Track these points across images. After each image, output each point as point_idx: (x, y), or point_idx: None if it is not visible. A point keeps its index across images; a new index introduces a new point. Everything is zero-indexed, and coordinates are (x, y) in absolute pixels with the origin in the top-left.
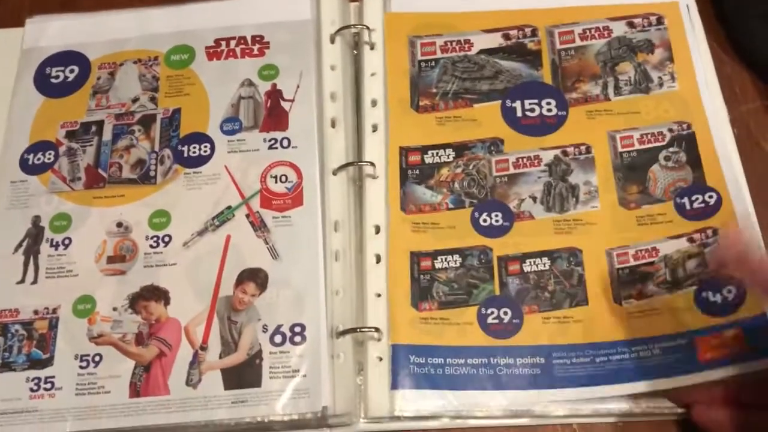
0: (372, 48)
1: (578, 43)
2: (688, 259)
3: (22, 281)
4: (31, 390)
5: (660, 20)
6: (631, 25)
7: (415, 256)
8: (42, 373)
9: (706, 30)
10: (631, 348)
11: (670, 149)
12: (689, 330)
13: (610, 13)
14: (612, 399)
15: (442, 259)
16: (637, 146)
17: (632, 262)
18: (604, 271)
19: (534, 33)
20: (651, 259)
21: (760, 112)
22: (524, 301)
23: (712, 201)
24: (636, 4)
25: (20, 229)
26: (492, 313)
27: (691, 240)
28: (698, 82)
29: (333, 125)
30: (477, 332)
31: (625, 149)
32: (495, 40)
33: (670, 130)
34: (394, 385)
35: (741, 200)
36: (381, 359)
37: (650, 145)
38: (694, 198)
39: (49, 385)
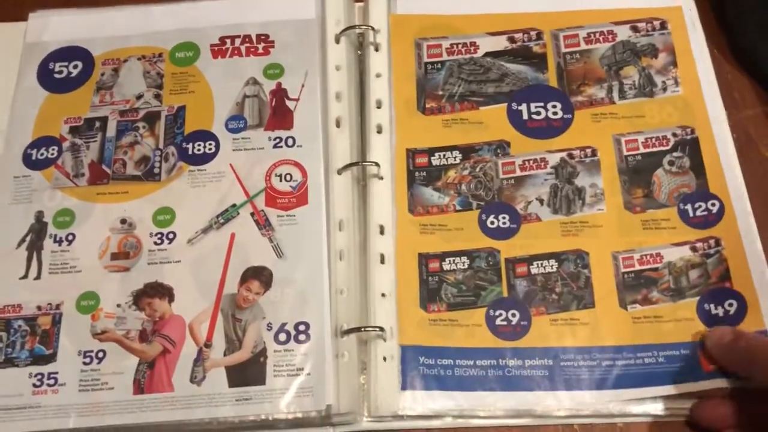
0: (377, 50)
1: (583, 46)
2: (691, 268)
3: (25, 276)
4: (34, 386)
5: (663, 25)
6: (634, 29)
7: (423, 258)
8: (45, 369)
9: (707, 36)
10: (636, 354)
11: (674, 154)
12: (693, 342)
13: (613, 17)
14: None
15: (450, 260)
16: (641, 150)
17: (637, 267)
18: (610, 274)
19: (539, 36)
20: (655, 265)
21: (759, 118)
22: (532, 302)
23: (714, 209)
24: (639, 8)
25: (23, 224)
26: (500, 315)
27: (693, 249)
28: (702, 87)
29: (338, 125)
30: (486, 334)
31: (630, 153)
32: (500, 43)
33: (674, 135)
34: (404, 386)
35: (743, 208)
36: (386, 359)
37: (655, 149)
38: (697, 205)
39: (52, 381)
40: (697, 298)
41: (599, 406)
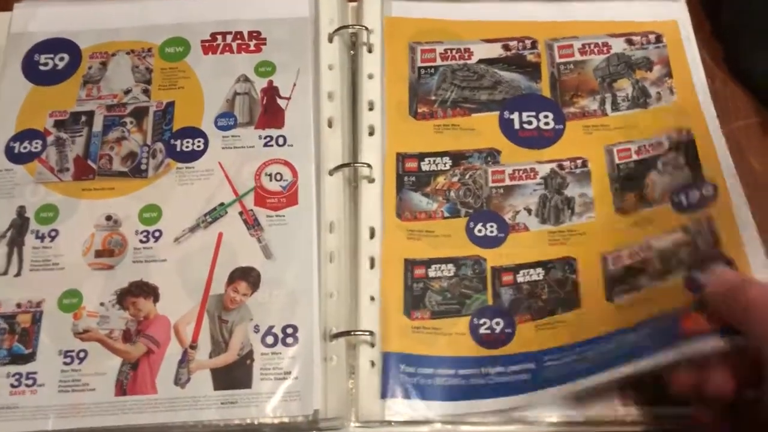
0: (370, 51)
1: (577, 57)
2: (681, 247)
3: (5, 273)
4: (12, 386)
5: (659, 38)
6: (630, 42)
7: (410, 264)
8: (24, 369)
9: (700, 45)
10: (617, 336)
11: (669, 156)
12: (675, 308)
13: (609, 30)
14: (601, 405)
15: (436, 267)
16: (634, 157)
17: (627, 262)
18: (599, 274)
19: (534, 45)
20: (645, 256)
21: (751, 129)
22: (517, 311)
23: (708, 192)
24: (635, 21)
25: (4, 219)
26: (484, 323)
27: (685, 230)
28: (697, 92)
29: (330, 125)
30: (469, 343)
31: (622, 161)
32: (495, 50)
33: (669, 138)
34: (384, 394)
35: (737, 190)
36: (373, 364)
37: (648, 155)
38: (691, 193)
39: (30, 381)
40: (684, 273)
41: (590, 413)
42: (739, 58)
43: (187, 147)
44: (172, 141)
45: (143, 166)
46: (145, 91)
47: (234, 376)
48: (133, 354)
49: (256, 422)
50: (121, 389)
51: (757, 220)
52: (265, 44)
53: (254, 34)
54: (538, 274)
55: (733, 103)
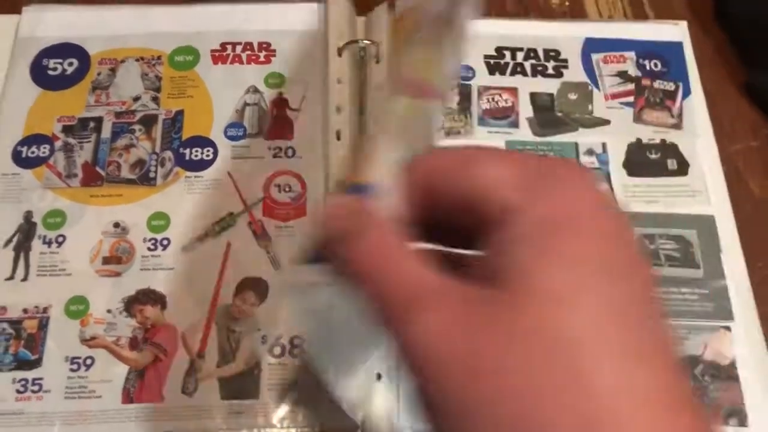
0: (378, 62)
1: None
2: None
3: (12, 278)
4: (18, 392)
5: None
6: None
7: None
8: (29, 375)
9: (700, 65)
10: None
11: None
12: None
13: None
14: None
15: None
16: None
17: None
18: None
19: None
20: None
21: (751, 152)
22: None
23: None
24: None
25: (11, 223)
26: None
27: None
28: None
29: (338, 138)
30: None
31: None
32: None
33: None
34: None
35: None
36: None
37: None
38: None
39: (36, 387)
40: None
41: None
42: (755, 76)
43: (196, 156)
44: (181, 150)
45: (152, 174)
46: (155, 99)
47: (241, 386)
48: (140, 362)
49: None
50: (128, 397)
51: (757, 246)
52: (274, 56)
53: (264, 45)
54: None
55: (732, 126)
